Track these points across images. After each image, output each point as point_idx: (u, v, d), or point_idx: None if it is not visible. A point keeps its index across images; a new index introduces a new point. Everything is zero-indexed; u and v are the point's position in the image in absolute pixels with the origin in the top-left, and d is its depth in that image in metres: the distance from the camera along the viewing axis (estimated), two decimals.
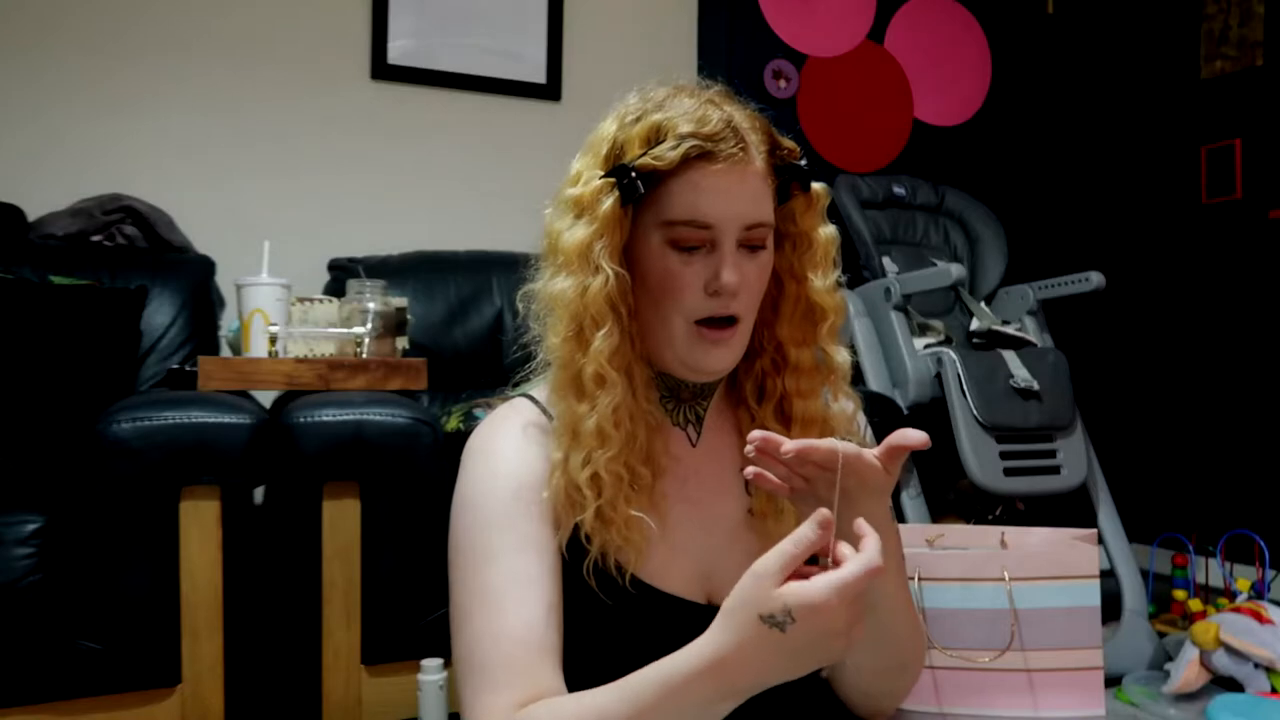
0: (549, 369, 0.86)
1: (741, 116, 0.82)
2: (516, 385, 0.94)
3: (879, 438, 0.99)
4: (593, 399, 0.80)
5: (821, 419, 0.88)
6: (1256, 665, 1.64)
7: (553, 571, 0.81)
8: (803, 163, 0.84)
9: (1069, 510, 2.17)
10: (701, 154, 0.78)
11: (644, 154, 0.79)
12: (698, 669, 0.65)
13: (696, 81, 0.86)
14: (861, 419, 0.95)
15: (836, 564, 0.63)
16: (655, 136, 0.80)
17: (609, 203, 0.79)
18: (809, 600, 0.60)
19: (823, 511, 0.63)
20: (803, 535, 0.63)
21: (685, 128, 0.79)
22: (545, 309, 0.84)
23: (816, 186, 0.86)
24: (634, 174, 0.79)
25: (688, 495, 0.87)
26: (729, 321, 0.82)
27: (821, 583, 0.61)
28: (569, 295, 0.80)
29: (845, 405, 0.91)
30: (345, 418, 1.38)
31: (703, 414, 0.90)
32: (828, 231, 0.87)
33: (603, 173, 0.81)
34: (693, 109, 0.80)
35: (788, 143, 0.84)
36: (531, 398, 0.90)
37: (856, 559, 0.62)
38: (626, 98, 0.85)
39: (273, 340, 1.54)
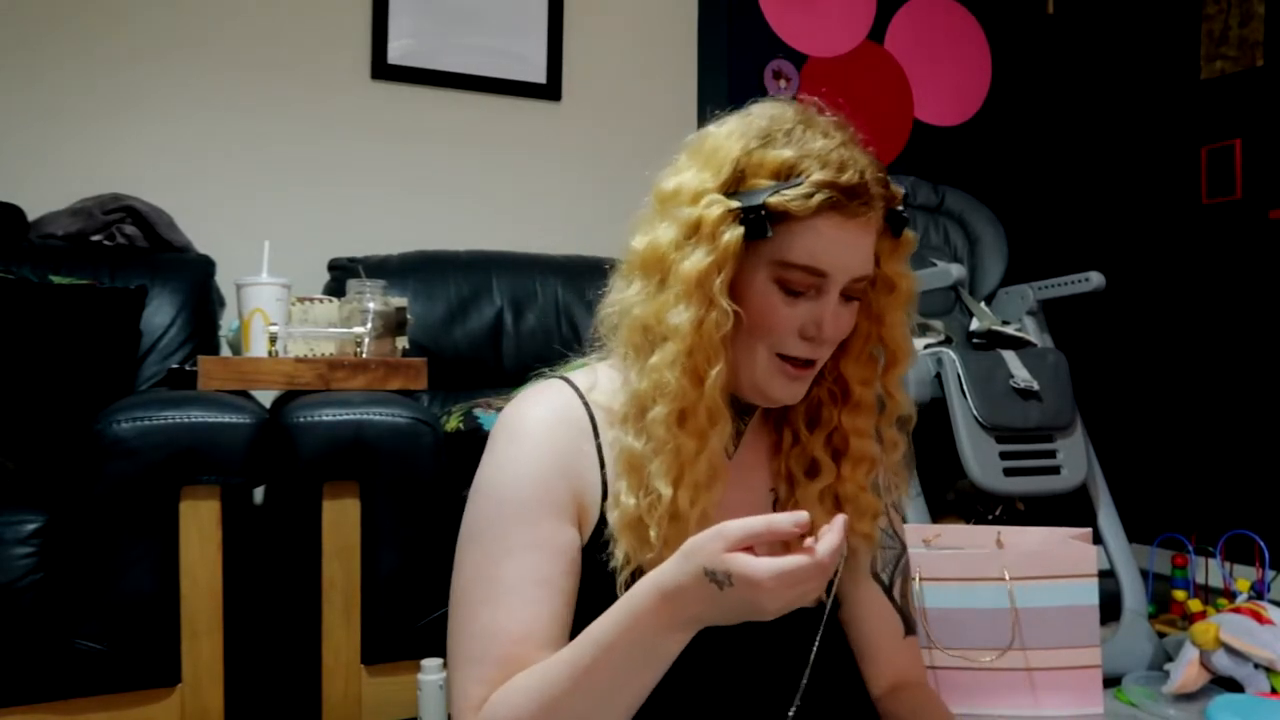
0: (589, 358, 0.88)
1: (869, 165, 0.80)
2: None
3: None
4: (703, 436, 0.79)
5: (871, 459, 0.88)
6: (1256, 666, 1.64)
7: (566, 572, 0.81)
8: (903, 210, 0.84)
9: (1069, 510, 2.17)
10: (833, 204, 0.78)
11: (774, 190, 0.77)
12: (653, 596, 0.69)
13: (798, 102, 0.86)
14: None
15: (808, 550, 0.66)
16: (787, 173, 0.78)
17: (733, 236, 0.78)
18: (748, 574, 0.64)
19: (804, 515, 0.66)
20: (779, 523, 0.66)
21: (821, 174, 0.77)
22: (651, 333, 0.81)
23: (907, 233, 0.85)
24: (764, 213, 0.77)
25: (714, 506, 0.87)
26: (811, 362, 0.83)
27: (766, 563, 0.64)
28: (685, 328, 0.78)
29: (896, 445, 0.90)
30: (345, 418, 1.38)
31: (743, 429, 0.91)
32: (910, 279, 0.87)
33: (723, 196, 0.79)
34: (827, 152, 0.79)
35: (896, 189, 0.84)
36: (569, 381, 0.89)
37: (808, 555, 0.65)
38: (749, 109, 0.84)
39: (273, 340, 1.54)
